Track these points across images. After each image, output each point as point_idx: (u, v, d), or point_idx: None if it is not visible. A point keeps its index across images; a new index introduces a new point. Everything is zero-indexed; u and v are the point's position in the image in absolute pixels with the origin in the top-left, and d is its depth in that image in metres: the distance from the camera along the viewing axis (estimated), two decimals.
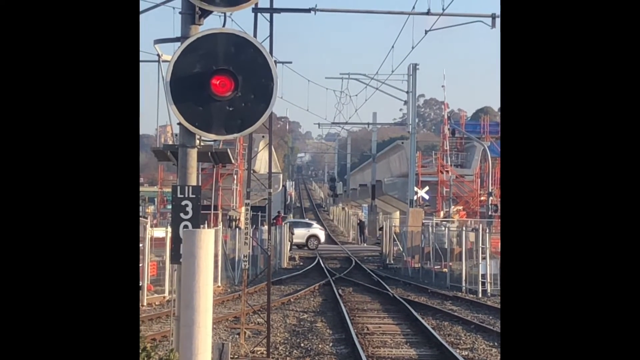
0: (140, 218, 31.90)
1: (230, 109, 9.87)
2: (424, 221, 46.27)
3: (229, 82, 9.82)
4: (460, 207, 58.89)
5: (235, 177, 50.70)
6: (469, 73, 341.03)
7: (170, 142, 23.59)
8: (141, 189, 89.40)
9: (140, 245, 26.77)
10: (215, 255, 31.74)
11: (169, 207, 32.69)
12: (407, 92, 54.92)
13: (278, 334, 20.15)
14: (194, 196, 10.21)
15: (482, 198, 57.55)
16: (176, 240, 10.27)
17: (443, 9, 33.74)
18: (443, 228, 42.30)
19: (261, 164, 55.03)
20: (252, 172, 18.71)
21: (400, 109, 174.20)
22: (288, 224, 67.43)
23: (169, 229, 17.03)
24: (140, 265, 26.42)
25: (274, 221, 50.08)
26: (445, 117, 65.41)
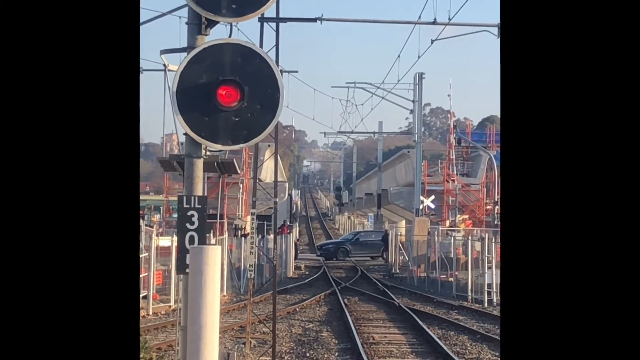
0: (146, 227, 31.94)
1: (237, 119, 9.87)
2: (430, 229, 46.22)
3: (235, 92, 9.82)
4: (466, 216, 58.82)
5: (241, 185, 50.69)
6: (475, 82, 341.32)
7: (176, 151, 23.53)
8: (147, 197, 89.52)
9: (146, 254, 26.77)
10: (221, 265, 31.70)
11: (175, 215, 32.58)
12: (413, 101, 54.94)
13: (284, 344, 20.14)
14: (200, 206, 10.21)
15: (488, 207, 57.50)
16: (182, 250, 10.28)
17: (449, 19, 33.82)
18: (449, 237, 42.26)
19: (267, 172, 55.04)
20: (258, 181, 18.71)
21: (407, 118, 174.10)
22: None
23: (175, 238, 17.07)
24: (146, 274, 26.41)
25: (280, 230, 50.07)
26: (452, 126, 65.31)
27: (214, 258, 8.06)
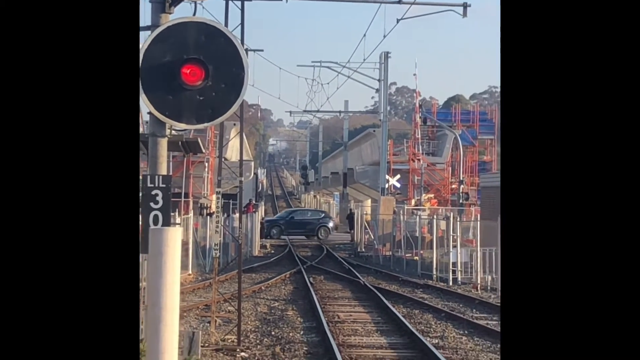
0: None
1: (201, 98, 9.85)
2: (395, 208, 46.43)
3: (200, 71, 9.80)
4: (432, 195, 59.12)
5: (206, 164, 50.54)
6: (441, 62, 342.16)
7: (141, 129, 23.41)
8: None
9: None
10: (186, 243, 31.65)
11: (140, 194, 32.52)
12: (379, 80, 55.04)
13: (249, 322, 20.16)
14: (164, 186, 10.21)
15: (453, 186, 57.80)
16: (146, 229, 10.27)
17: None
18: (415, 215, 42.45)
19: (232, 151, 54.95)
20: (223, 159, 18.68)
21: (372, 97, 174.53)
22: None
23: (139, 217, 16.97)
24: None
25: (245, 209, 50.04)
26: (417, 105, 65.54)
27: (174, 240, 8.04)
